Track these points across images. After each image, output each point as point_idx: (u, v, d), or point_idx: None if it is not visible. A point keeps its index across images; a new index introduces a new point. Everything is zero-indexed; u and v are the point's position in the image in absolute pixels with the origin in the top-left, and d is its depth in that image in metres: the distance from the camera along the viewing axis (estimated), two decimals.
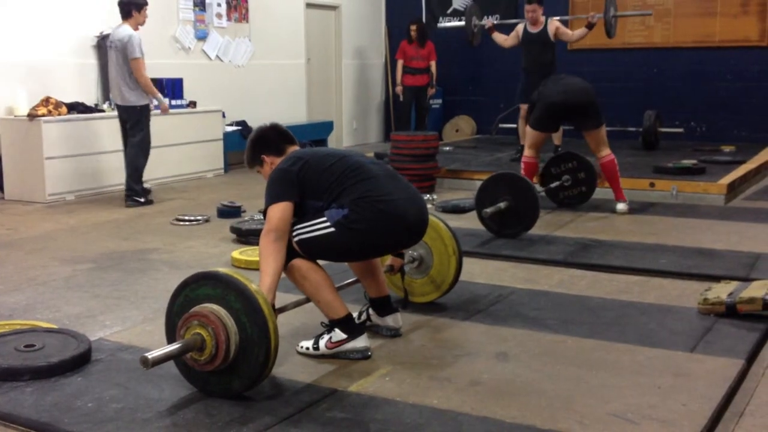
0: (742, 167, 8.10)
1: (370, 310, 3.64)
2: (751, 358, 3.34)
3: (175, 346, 2.85)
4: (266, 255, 3.13)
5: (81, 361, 3.23)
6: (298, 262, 3.25)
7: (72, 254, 5.31)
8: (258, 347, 2.83)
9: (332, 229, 3.19)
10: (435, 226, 3.90)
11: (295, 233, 3.25)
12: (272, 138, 3.47)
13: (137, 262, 5.09)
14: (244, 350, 2.86)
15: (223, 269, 3.00)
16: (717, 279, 4.31)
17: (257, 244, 5.24)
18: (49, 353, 3.21)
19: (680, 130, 10.41)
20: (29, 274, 4.82)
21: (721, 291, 3.92)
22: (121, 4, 7.04)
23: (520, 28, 8.63)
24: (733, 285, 4.03)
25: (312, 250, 3.25)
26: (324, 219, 3.21)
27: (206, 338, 2.83)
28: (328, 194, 3.23)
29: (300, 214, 3.27)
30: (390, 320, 3.61)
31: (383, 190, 3.24)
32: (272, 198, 3.22)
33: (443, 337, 3.64)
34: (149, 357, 2.71)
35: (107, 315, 4.01)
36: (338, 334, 3.32)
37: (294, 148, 3.46)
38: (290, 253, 3.23)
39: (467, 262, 5.00)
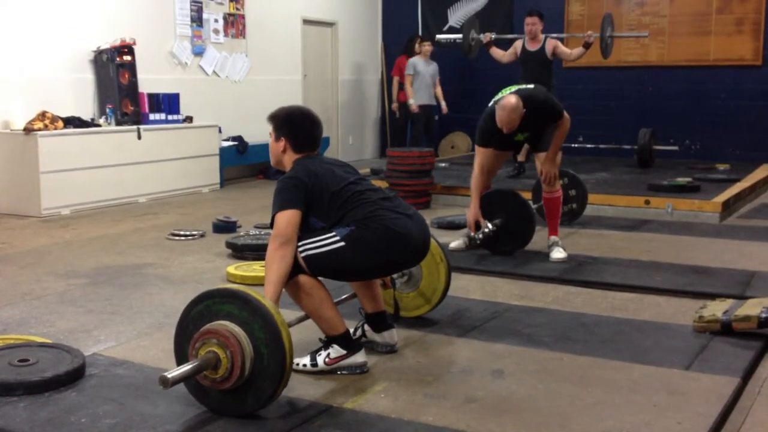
0: (736, 185, 8.13)
1: (366, 326, 3.63)
2: (747, 376, 3.34)
3: (191, 365, 2.82)
4: (272, 261, 3.12)
5: (75, 376, 3.21)
6: (303, 279, 3.23)
7: (67, 269, 5.30)
8: (270, 381, 2.82)
9: (341, 244, 3.19)
10: None
11: (302, 248, 3.22)
12: (303, 132, 3.43)
13: (132, 277, 5.08)
14: (254, 380, 2.84)
15: (252, 292, 2.92)
16: (712, 297, 4.31)
17: (252, 259, 5.31)
18: (43, 368, 3.20)
19: (675, 148, 10.44)
20: (23, 288, 4.81)
21: (716, 309, 3.92)
22: None
23: (518, 44, 8.66)
24: (728, 303, 4.03)
25: (318, 266, 3.24)
26: (333, 234, 3.21)
27: (222, 359, 2.81)
28: (334, 215, 3.24)
29: (302, 230, 3.27)
30: (386, 336, 3.60)
31: (387, 210, 3.28)
32: (282, 204, 3.20)
33: (438, 354, 3.63)
34: (169, 377, 2.69)
35: (101, 330, 3.99)
36: (337, 350, 3.31)
37: (312, 154, 3.43)
38: (294, 269, 3.21)
39: (462, 278, 5.02)
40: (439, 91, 10.53)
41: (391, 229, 3.23)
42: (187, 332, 2.97)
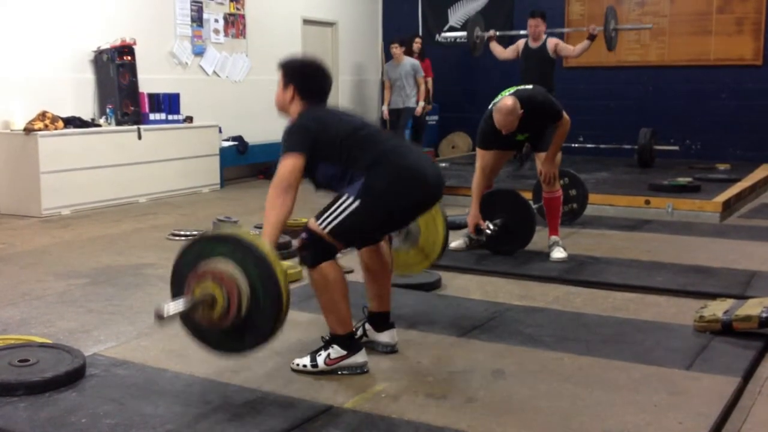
0: (737, 185, 8.13)
1: (367, 325, 3.62)
2: (748, 376, 3.34)
3: (187, 301, 2.84)
4: (272, 207, 3.09)
5: (75, 376, 3.21)
6: (328, 269, 3.20)
7: (67, 269, 5.29)
8: (267, 319, 2.85)
9: (357, 203, 3.15)
10: None
11: (322, 224, 3.17)
12: (314, 82, 3.41)
13: (132, 277, 5.07)
14: (252, 317, 2.85)
15: (244, 233, 2.96)
16: (713, 297, 4.30)
17: None
18: (43, 368, 3.19)
19: (675, 147, 10.45)
20: (24, 288, 4.80)
21: (717, 308, 3.92)
22: None
23: (521, 43, 8.64)
24: (729, 303, 4.03)
25: (346, 234, 3.20)
26: (345, 196, 3.18)
27: (218, 297, 2.82)
28: (345, 157, 3.20)
29: (317, 184, 3.27)
30: (386, 336, 3.59)
31: (399, 151, 3.25)
32: (286, 149, 3.18)
33: (439, 354, 3.63)
34: (164, 310, 2.72)
35: (102, 330, 3.99)
36: (337, 351, 3.30)
37: (320, 106, 3.40)
38: (321, 253, 3.19)
39: (463, 278, 5.02)
40: (419, 90, 10.50)
41: (403, 167, 3.20)
42: (182, 276, 2.97)
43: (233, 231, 2.97)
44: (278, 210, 3.09)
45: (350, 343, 3.32)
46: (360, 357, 3.32)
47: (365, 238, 3.44)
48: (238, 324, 2.87)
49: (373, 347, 3.59)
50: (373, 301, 3.59)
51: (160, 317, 2.72)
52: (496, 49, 8.85)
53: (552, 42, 8.41)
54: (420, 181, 3.24)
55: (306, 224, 3.25)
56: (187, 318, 2.97)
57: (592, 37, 8.40)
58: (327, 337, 3.35)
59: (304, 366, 3.34)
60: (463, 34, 9.67)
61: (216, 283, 2.85)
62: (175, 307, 2.81)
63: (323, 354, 3.32)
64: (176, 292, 3.03)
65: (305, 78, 3.40)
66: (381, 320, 3.59)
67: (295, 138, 3.21)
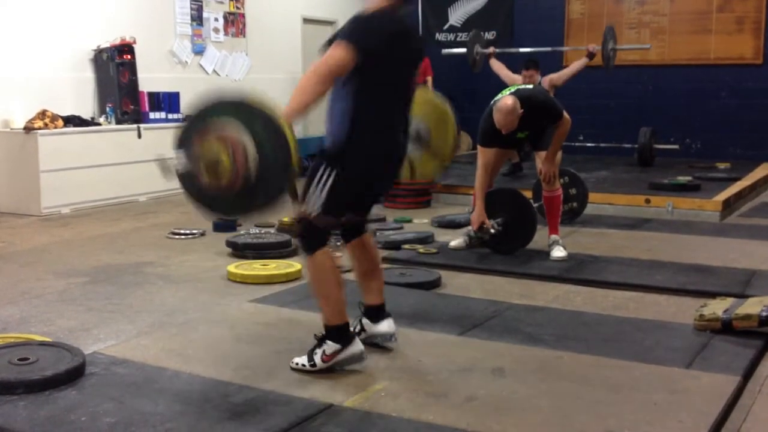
0: (737, 184, 8.13)
1: (364, 320, 3.62)
2: (748, 375, 3.33)
3: (193, 155, 2.78)
4: (302, 89, 2.98)
5: (75, 374, 3.20)
6: (323, 257, 3.23)
7: (67, 267, 5.29)
8: (278, 175, 2.79)
9: (333, 176, 3.15)
10: (420, 95, 3.75)
11: (311, 207, 3.17)
12: None
13: (132, 276, 5.07)
14: (261, 176, 2.78)
15: (249, 96, 2.89)
16: (713, 295, 4.31)
17: (253, 258, 5.31)
18: (43, 366, 3.19)
19: (675, 146, 10.44)
20: (23, 287, 4.80)
21: (717, 307, 3.92)
22: None
23: (517, 79, 8.45)
24: (729, 301, 4.03)
25: (333, 207, 3.19)
26: (321, 170, 3.17)
27: (223, 158, 2.75)
28: (362, 96, 3.15)
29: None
30: (384, 326, 3.57)
31: (384, 130, 3.25)
32: (346, 36, 3.04)
33: (439, 353, 3.62)
34: (169, 162, 2.69)
35: (102, 328, 3.99)
36: (331, 346, 3.28)
37: (401, 8, 3.27)
38: (316, 240, 3.21)
39: (463, 277, 5.02)
40: None
41: (376, 150, 3.23)
42: (188, 138, 2.90)
43: (240, 94, 2.87)
44: (308, 96, 2.98)
45: (343, 335, 3.30)
46: (355, 347, 3.31)
47: (356, 206, 3.40)
48: (248, 185, 2.78)
49: (372, 341, 3.58)
50: (368, 294, 3.59)
51: (165, 170, 2.64)
52: (495, 64, 8.79)
53: (546, 81, 8.24)
54: (384, 165, 3.31)
55: (298, 214, 3.26)
56: (193, 186, 2.87)
57: (591, 56, 8.40)
58: (319, 335, 3.34)
59: (303, 365, 3.32)
60: (463, 51, 9.66)
61: (221, 144, 2.76)
62: (179, 159, 2.72)
63: (319, 352, 3.30)
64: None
65: None
66: (377, 312, 3.59)
67: (362, 34, 3.06)
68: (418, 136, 3.87)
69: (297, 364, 3.34)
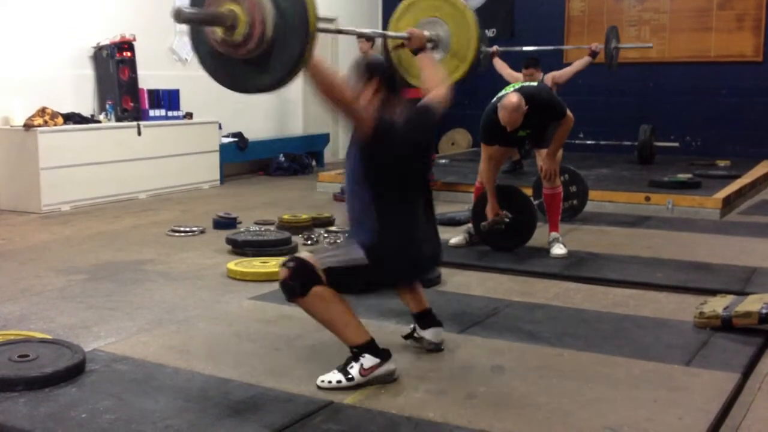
0: (737, 181, 8.13)
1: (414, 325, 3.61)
2: (747, 372, 3.33)
3: (208, 11, 2.67)
4: (334, 73, 3.03)
5: (75, 371, 3.21)
6: (319, 289, 3.08)
7: (67, 265, 5.29)
8: (296, 39, 2.66)
9: (366, 261, 3.12)
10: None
11: (322, 260, 3.12)
12: (393, 79, 3.35)
13: (132, 273, 5.07)
14: (278, 41, 2.68)
15: None
16: (713, 293, 4.31)
17: (253, 255, 5.31)
18: (43, 364, 3.19)
19: (676, 144, 10.44)
20: (23, 284, 4.80)
21: (716, 305, 3.92)
22: None
23: (519, 77, 8.44)
24: (728, 299, 4.03)
25: (339, 276, 3.12)
26: (356, 249, 3.15)
27: (239, 15, 2.66)
28: (384, 185, 3.18)
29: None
30: (429, 333, 3.54)
31: (412, 221, 3.33)
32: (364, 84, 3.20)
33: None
34: (183, 9, 2.60)
35: (102, 326, 3.99)
36: (370, 359, 3.13)
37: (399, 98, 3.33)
38: (311, 280, 3.08)
39: (463, 274, 5.02)
40: None
41: (408, 243, 3.25)
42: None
43: None
44: (337, 83, 3.04)
45: (378, 350, 3.18)
46: (392, 364, 3.20)
47: (354, 287, 3.36)
48: (265, 49, 2.70)
49: (420, 344, 3.57)
50: (410, 303, 3.58)
51: (178, 16, 2.57)
52: (498, 63, 8.78)
53: (548, 79, 8.22)
54: (415, 262, 3.36)
55: (295, 255, 3.23)
56: (211, 52, 2.80)
57: (593, 54, 8.39)
58: (356, 348, 3.16)
59: (339, 382, 3.12)
60: None
61: (238, 3, 2.68)
62: (194, 11, 2.64)
63: (356, 366, 3.13)
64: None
65: (389, 74, 3.36)
66: (424, 317, 3.56)
67: (386, 113, 3.15)
68: (438, 40, 3.80)
69: (329, 381, 3.14)
